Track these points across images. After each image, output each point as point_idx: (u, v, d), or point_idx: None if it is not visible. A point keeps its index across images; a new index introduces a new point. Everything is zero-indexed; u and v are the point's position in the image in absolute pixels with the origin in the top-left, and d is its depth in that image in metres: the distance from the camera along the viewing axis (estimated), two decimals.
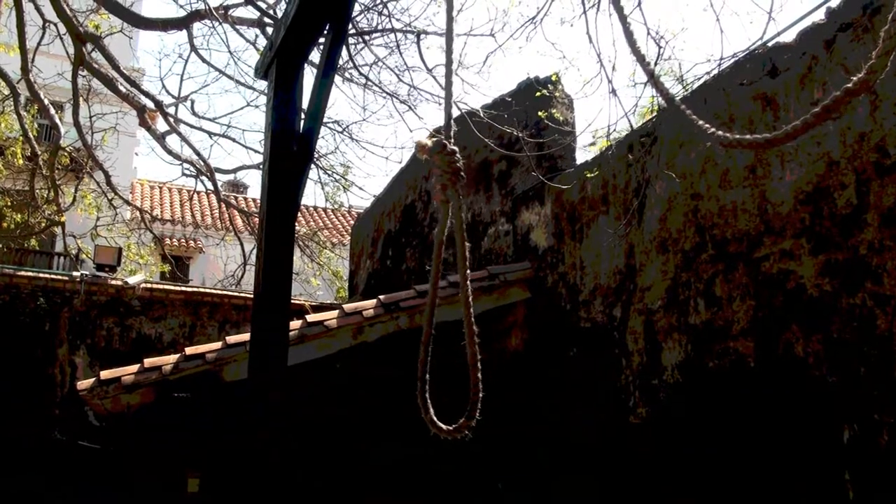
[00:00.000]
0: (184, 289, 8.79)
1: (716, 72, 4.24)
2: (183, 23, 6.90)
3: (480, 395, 1.70)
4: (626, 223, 4.94)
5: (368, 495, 5.00)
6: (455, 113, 6.29)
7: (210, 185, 9.60)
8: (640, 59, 1.45)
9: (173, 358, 4.90)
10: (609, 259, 5.14)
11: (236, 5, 6.78)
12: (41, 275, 8.20)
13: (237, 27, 6.89)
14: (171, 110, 8.60)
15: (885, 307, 3.15)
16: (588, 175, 5.37)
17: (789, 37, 3.84)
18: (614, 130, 4.86)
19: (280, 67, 3.37)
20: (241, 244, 10.24)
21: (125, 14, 6.96)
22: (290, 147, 3.36)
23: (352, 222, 15.19)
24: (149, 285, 8.53)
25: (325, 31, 3.37)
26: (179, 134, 8.80)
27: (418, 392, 1.80)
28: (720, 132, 1.24)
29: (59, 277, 8.18)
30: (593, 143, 5.39)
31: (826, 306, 3.44)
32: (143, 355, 5.93)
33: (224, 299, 8.72)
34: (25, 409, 7.46)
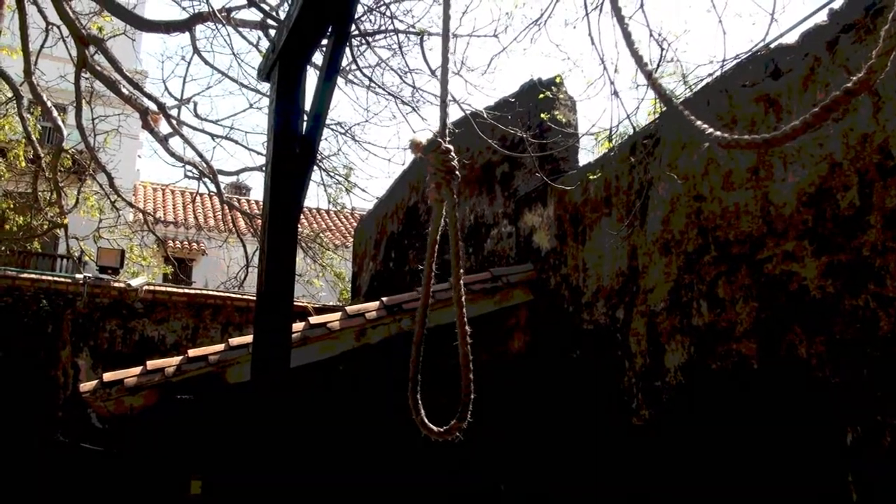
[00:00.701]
0: (187, 291, 8.80)
1: (718, 73, 4.24)
2: (186, 25, 6.91)
3: (472, 396, 1.68)
4: (629, 225, 4.93)
5: (370, 497, 5.00)
6: (458, 114, 6.30)
7: (213, 188, 9.61)
8: (639, 61, 1.45)
9: (176, 360, 4.90)
10: (612, 261, 5.13)
11: (239, 7, 6.79)
12: (44, 277, 8.22)
13: (240, 29, 6.89)
14: (174, 112, 8.61)
15: (888, 309, 3.14)
16: (591, 177, 5.37)
17: (792, 38, 3.84)
18: (617, 132, 4.86)
19: (283, 69, 3.37)
20: (244, 246, 10.24)
21: (128, 16, 6.97)
22: (293, 149, 3.36)
23: (354, 224, 15.20)
24: (152, 287, 8.55)
25: (328, 33, 3.37)
26: (182, 136, 8.81)
27: (409, 393, 1.78)
28: (718, 132, 1.24)
29: (62, 280, 8.20)
30: (597, 142, 5.39)
31: (829, 308, 3.43)
32: (145, 357, 5.95)
33: (227, 301, 8.73)
34: (28, 412, 7.47)
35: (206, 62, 8.31)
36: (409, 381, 1.79)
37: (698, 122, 1.32)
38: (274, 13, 6.48)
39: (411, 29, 6.27)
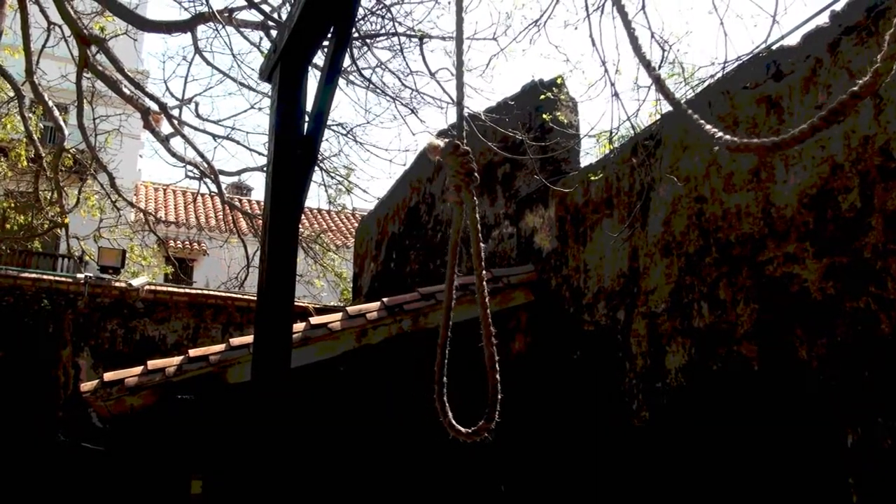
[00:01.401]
0: (188, 291, 8.81)
1: (720, 75, 4.24)
2: (187, 25, 6.91)
3: (499, 396, 1.67)
4: (630, 226, 4.93)
5: (370, 497, 5.00)
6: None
7: (214, 188, 9.61)
8: (646, 64, 1.45)
9: (177, 360, 4.90)
10: (613, 262, 5.13)
11: (240, 8, 6.79)
12: (45, 277, 8.23)
13: (241, 30, 6.89)
14: (176, 112, 8.61)
15: (889, 311, 3.14)
16: (592, 178, 5.37)
17: (793, 40, 3.84)
18: (618, 133, 4.86)
19: (284, 70, 3.37)
20: (245, 246, 10.23)
21: (129, 16, 6.97)
22: (294, 149, 3.35)
23: (355, 225, 15.19)
24: (152, 287, 8.55)
25: (329, 35, 3.37)
26: (183, 136, 8.80)
27: (436, 396, 1.75)
28: (728, 136, 1.24)
29: (63, 279, 8.20)
30: (598, 143, 5.39)
31: (830, 310, 3.43)
32: (146, 357, 5.94)
33: (227, 301, 8.74)
34: (29, 411, 7.48)
35: (208, 62, 8.30)
36: (434, 385, 1.76)
37: (707, 126, 1.32)
38: (275, 14, 6.47)
39: (411, 31, 6.27)
